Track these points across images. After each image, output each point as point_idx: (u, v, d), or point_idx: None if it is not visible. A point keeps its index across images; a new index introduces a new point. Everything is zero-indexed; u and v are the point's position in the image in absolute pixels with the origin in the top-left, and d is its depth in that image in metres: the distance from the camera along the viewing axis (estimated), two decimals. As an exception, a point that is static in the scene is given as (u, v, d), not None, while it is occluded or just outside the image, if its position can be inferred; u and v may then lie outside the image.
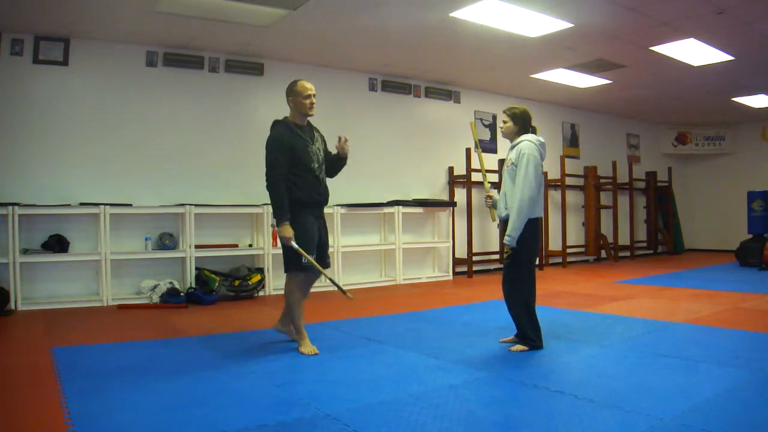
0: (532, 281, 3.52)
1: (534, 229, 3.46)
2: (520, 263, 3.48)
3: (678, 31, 5.81)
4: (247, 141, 6.55)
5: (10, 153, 5.36)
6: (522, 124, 3.56)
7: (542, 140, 3.52)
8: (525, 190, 3.36)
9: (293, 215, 3.47)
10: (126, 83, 5.90)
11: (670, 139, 11.80)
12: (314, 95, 3.54)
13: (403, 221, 7.20)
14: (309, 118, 3.66)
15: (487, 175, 4.05)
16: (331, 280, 3.57)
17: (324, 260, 3.68)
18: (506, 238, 3.42)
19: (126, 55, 5.90)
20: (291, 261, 3.51)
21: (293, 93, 3.53)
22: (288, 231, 3.41)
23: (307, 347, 3.50)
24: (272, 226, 3.48)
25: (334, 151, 3.77)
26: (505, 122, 3.60)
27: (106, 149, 5.78)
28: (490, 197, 3.76)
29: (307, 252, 3.46)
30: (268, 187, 3.43)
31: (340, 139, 3.72)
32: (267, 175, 3.43)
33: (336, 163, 3.76)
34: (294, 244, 3.42)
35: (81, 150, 5.66)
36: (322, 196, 3.60)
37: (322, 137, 3.74)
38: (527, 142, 3.46)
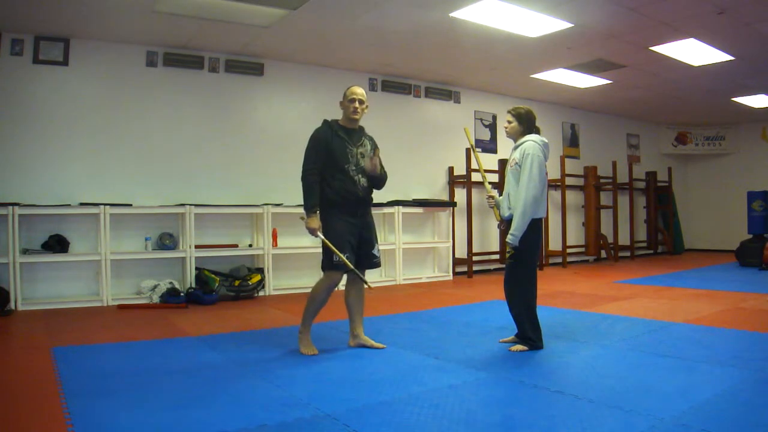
0: (533, 281, 3.52)
1: (537, 229, 3.46)
2: (523, 263, 3.48)
3: (678, 31, 5.81)
4: (247, 141, 6.56)
5: (10, 153, 5.36)
6: (527, 124, 3.56)
7: (546, 141, 3.52)
8: (530, 190, 3.36)
9: (324, 214, 3.48)
10: (126, 83, 5.90)
11: (670, 139, 11.80)
12: (360, 100, 3.54)
13: (403, 221, 7.20)
14: (364, 126, 3.68)
15: (486, 176, 4.04)
16: (357, 274, 3.52)
17: (370, 260, 3.61)
18: (509, 237, 3.42)
19: (126, 55, 5.90)
20: (324, 258, 3.49)
21: (343, 96, 3.59)
22: (314, 222, 3.41)
23: (307, 347, 3.50)
24: (301, 218, 3.49)
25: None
26: (509, 122, 3.60)
27: (106, 149, 5.78)
28: (492, 198, 3.74)
29: (340, 251, 3.41)
30: (302, 180, 3.47)
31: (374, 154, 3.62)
32: (302, 169, 3.48)
33: (373, 179, 3.65)
34: (320, 235, 3.41)
35: (81, 150, 5.67)
36: (355, 196, 3.48)
37: (374, 145, 3.68)
38: (531, 142, 3.46)
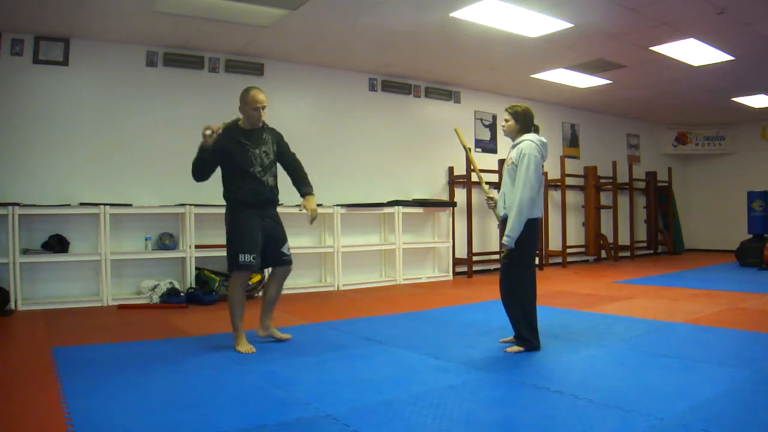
0: (531, 282, 3.48)
1: (533, 229, 3.43)
2: (518, 263, 3.45)
3: (678, 31, 5.81)
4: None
5: (10, 153, 5.36)
6: (524, 122, 3.53)
7: (544, 140, 3.48)
8: (525, 191, 3.34)
9: (235, 215, 3.59)
10: (126, 83, 5.90)
11: (670, 139, 11.80)
12: (264, 107, 3.60)
13: (403, 221, 7.19)
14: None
15: (483, 176, 4.03)
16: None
17: (279, 257, 3.73)
18: (505, 238, 3.39)
19: (126, 55, 5.90)
20: (230, 259, 3.57)
21: (243, 102, 3.60)
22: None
23: (244, 346, 3.54)
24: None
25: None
26: (507, 121, 3.57)
27: (107, 149, 5.78)
28: (492, 199, 3.73)
29: (246, 251, 3.52)
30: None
31: (310, 215, 3.75)
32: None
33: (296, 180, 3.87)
34: (209, 132, 3.44)
35: (81, 150, 5.67)
36: (264, 197, 3.63)
37: (276, 139, 3.76)
38: (528, 141, 3.43)
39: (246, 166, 3.56)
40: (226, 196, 3.66)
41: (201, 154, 3.53)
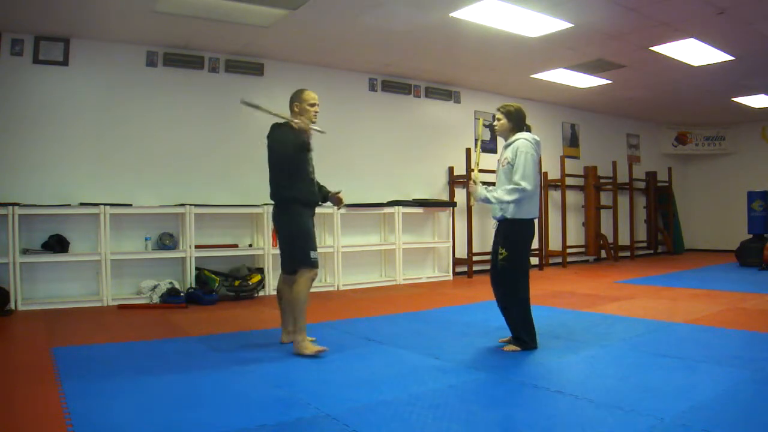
0: (527, 283, 3.49)
1: (529, 230, 3.44)
2: (516, 265, 3.44)
3: (678, 31, 5.81)
4: (247, 141, 6.55)
5: (10, 153, 5.36)
6: (516, 122, 3.54)
7: (537, 138, 3.49)
8: (525, 181, 3.32)
9: (298, 214, 3.55)
10: (126, 83, 5.90)
11: (670, 139, 11.80)
12: (318, 105, 3.66)
13: (403, 221, 7.20)
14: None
15: (483, 176, 4.00)
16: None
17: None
18: (487, 192, 3.39)
19: (126, 55, 5.90)
20: (301, 256, 3.49)
21: (300, 100, 3.64)
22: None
23: (312, 348, 3.42)
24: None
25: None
26: (499, 119, 3.57)
27: (107, 149, 5.78)
28: (474, 182, 3.63)
29: (315, 248, 3.54)
30: (284, 160, 3.51)
31: (340, 201, 3.94)
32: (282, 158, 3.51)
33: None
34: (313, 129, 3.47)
35: (81, 150, 5.67)
36: (315, 198, 3.71)
37: (313, 148, 3.82)
38: (523, 140, 3.43)
39: (304, 165, 3.59)
40: (283, 195, 3.57)
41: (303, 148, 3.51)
